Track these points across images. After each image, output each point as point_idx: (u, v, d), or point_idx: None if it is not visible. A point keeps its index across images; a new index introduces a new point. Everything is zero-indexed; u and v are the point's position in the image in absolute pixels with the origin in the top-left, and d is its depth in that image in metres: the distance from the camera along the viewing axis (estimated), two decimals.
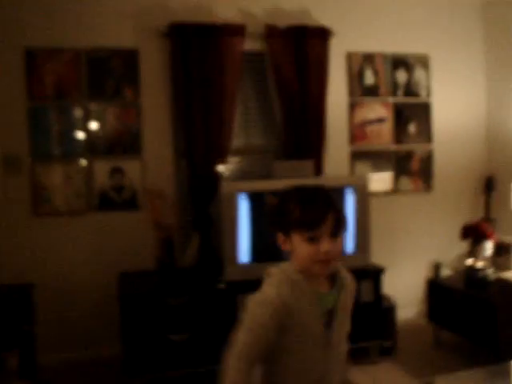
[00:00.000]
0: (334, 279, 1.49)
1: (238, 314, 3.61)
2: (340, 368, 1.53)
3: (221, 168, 3.74)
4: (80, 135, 3.61)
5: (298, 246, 1.40)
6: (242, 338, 1.38)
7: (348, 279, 1.53)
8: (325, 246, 1.37)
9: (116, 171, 3.67)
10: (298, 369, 1.44)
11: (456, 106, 4.41)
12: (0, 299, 3.00)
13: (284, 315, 1.38)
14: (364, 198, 3.47)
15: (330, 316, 1.45)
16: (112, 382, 3.34)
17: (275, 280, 1.43)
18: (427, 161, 4.34)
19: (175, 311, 3.18)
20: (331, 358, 1.47)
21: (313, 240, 1.37)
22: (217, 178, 3.68)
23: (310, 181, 3.29)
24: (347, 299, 1.52)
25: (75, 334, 3.62)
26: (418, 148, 4.32)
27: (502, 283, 3.18)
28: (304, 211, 1.38)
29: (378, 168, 4.20)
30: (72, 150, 3.60)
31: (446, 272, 4.07)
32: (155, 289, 3.32)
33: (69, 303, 3.62)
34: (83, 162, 3.62)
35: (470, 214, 4.30)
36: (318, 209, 1.38)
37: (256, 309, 1.39)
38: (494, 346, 3.24)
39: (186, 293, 3.21)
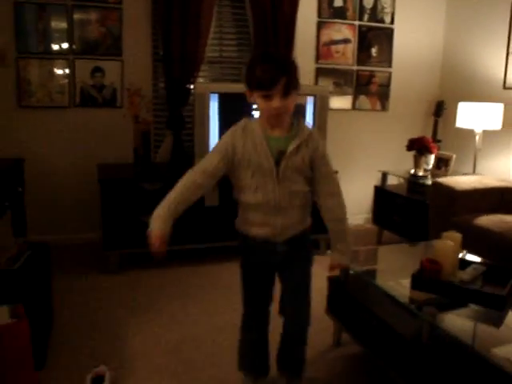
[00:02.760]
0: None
1: (205, 205, 3.97)
2: (297, 208, 1.89)
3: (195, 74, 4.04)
4: (63, 34, 3.84)
5: (258, 101, 1.76)
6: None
7: (305, 131, 1.83)
8: (275, 102, 1.72)
9: (97, 70, 3.95)
10: (256, 199, 1.83)
11: (416, 34, 4.78)
12: None
13: (232, 149, 1.81)
14: (323, 106, 3.84)
15: (281, 156, 1.81)
16: (92, 257, 3.78)
17: (236, 125, 1.87)
18: (385, 83, 4.74)
19: (150, 196, 3.56)
20: (283, 193, 1.83)
21: (267, 97, 1.72)
22: (191, 82, 3.99)
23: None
24: (302, 147, 1.81)
25: (58, 219, 4.02)
26: (378, 71, 4.70)
27: (436, 186, 3.66)
28: (261, 74, 1.70)
29: (340, 86, 4.58)
30: (55, 48, 3.84)
31: (392, 181, 4.55)
32: (132, 175, 3.69)
33: (52, 191, 3.98)
34: (65, 60, 3.87)
35: (419, 133, 4.73)
36: (271, 72, 1.69)
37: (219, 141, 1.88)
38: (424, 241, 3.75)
39: (160, 180, 3.59)
